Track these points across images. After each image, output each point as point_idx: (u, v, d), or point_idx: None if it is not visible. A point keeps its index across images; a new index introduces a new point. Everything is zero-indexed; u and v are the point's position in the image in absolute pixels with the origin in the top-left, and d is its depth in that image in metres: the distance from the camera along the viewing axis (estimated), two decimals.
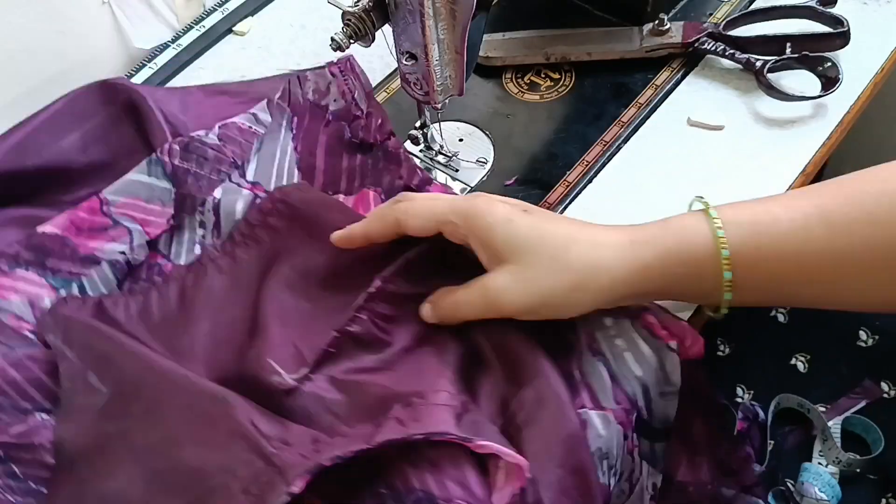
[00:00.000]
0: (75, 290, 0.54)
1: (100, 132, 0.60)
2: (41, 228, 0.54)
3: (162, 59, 0.74)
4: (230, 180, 0.57)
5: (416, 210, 0.49)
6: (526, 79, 0.70)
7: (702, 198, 0.50)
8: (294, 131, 0.59)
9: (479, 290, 0.47)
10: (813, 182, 0.61)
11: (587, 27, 0.70)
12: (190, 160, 0.56)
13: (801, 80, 0.65)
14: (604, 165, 0.63)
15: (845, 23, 0.65)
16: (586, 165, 0.63)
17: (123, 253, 0.55)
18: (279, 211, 0.56)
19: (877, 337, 0.61)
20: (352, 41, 0.52)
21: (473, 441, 0.41)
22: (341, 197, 0.60)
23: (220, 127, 0.57)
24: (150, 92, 0.62)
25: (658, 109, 0.66)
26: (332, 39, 0.52)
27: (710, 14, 0.72)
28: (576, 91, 0.68)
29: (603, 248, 0.46)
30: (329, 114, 0.60)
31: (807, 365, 0.63)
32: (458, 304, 0.48)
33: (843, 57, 0.65)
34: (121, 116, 0.61)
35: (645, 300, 0.49)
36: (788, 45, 0.65)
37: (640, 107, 0.66)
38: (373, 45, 0.53)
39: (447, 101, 0.56)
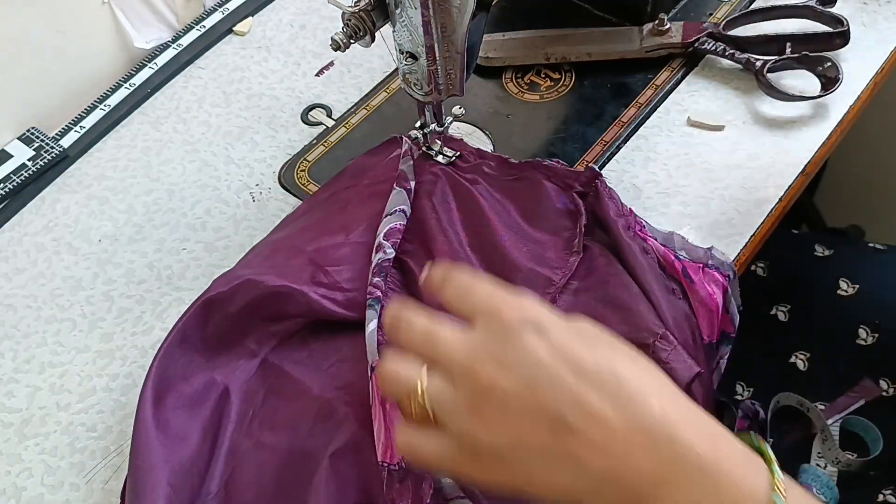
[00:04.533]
0: None
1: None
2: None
3: (162, 59, 0.74)
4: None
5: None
6: (526, 79, 0.70)
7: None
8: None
9: None
10: (813, 182, 0.61)
11: (587, 27, 0.70)
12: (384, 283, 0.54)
13: (801, 80, 0.65)
14: (604, 165, 0.63)
15: (845, 22, 0.65)
16: (586, 165, 0.63)
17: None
18: None
19: (877, 335, 0.61)
20: (352, 41, 0.52)
21: None
22: None
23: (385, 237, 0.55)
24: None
25: (658, 109, 0.66)
26: (333, 39, 0.52)
27: (710, 14, 0.72)
28: (576, 91, 0.68)
29: None
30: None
31: (807, 363, 0.63)
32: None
33: (843, 57, 0.65)
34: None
35: None
36: (788, 44, 0.65)
37: (639, 107, 0.66)
38: (373, 45, 0.53)
39: (447, 101, 0.57)
